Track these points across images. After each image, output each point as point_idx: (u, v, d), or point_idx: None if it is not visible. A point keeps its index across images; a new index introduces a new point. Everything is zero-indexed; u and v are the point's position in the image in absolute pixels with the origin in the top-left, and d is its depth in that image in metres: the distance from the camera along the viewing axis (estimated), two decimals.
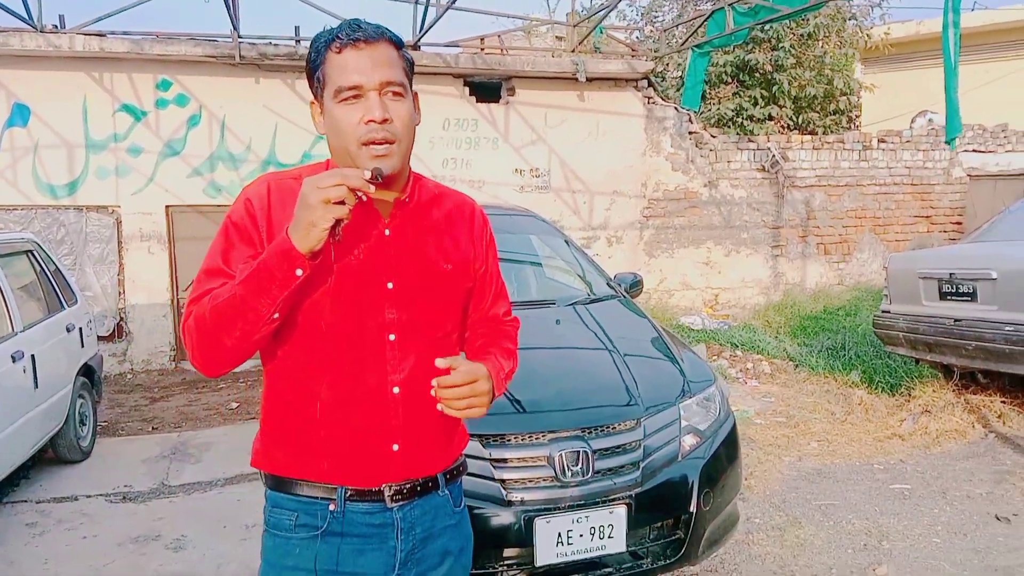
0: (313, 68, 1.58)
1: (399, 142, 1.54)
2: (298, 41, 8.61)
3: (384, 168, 1.49)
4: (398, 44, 1.58)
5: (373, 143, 1.51)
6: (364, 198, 1.49)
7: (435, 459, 1.71)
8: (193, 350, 1.54)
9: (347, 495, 1.62)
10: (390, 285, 1.61)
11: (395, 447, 1.64)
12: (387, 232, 1.63)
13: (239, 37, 8.20)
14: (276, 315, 1.48)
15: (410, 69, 1.61)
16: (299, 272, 1.43)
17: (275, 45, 8.39)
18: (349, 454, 1.62)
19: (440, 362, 1.54)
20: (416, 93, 1.64)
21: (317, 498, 1.63)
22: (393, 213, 1.64)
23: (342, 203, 1.38)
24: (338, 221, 1.40)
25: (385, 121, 1.51)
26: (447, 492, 1.74)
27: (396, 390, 1.62)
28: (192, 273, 8.27)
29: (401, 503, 1.65)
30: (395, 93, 1.54)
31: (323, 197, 1.36)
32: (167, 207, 8.53)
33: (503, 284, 1.90)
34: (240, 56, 8.17)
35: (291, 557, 1.64)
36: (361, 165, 1.49)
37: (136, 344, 8.65)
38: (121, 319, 8.60)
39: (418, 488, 1.68)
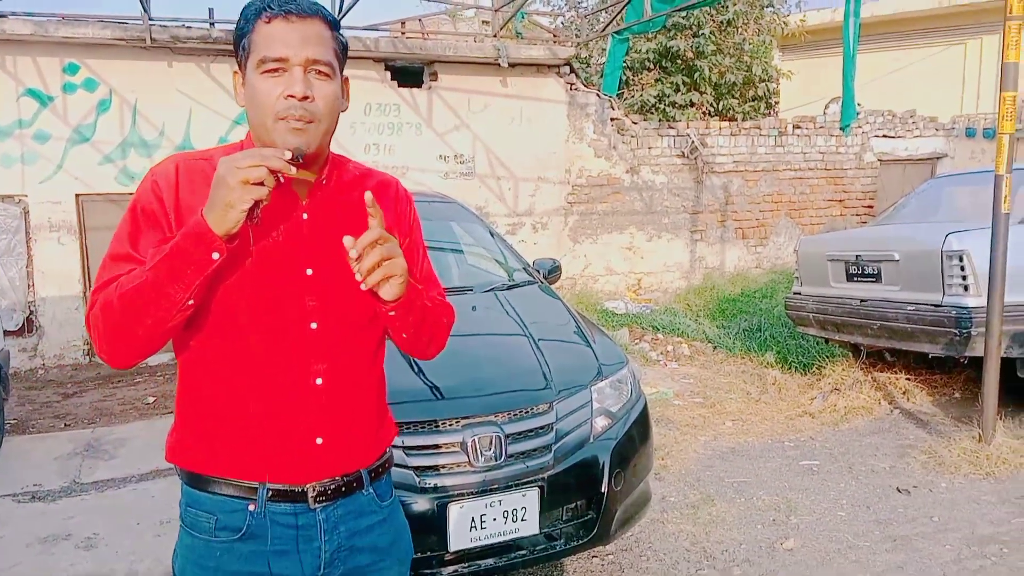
0: (240, 36, 1.51)
1: (318, 122, 1.48)
2: (212, 24, 8.38)
3: (303, 147, 1.44)
4: (333, 24, 1.53)
5: (291, 119, 1.45)
6: (283, 179, 1.40)
7: (361, 454, 1.66)
8: (100, 341, 1.46)
9: (268, 495, 1.56)
10: (309, 272, 1.55)
11: (319, 440, 1.58)
12: (305, 216, 1.56)
13: (150, 19, 7.94)
14: (191, 301, 1.41)
15: (342, 53, 1.56)
16: (215, 256, 1.37)
17: (188, 28, 8.16)
18: (271, 450, 1.56)
19: (348, 239, 1.41)
20: (347, 79, 1.59)
21: (236, 497, 1.56)
22: (311, 195, 1.58)
23: (261, 184, 1.32)
24: (257, 203, 1.34)
25: (306, 99, 1.45)
26: (371, 491, 1.68)
27: (319, 381, 1.57)
28: None
29: (324, 503, 1.60)
30: (321, 73, 1.48)
31: (241, 177, 1.31)
32: (77, 196, 8.23)
33: (432, 269, 1.82)
34: (151, 39, 7.92)
35: (212, 559, 1.57)
36: (277, 140, 1.45)
37: (47, 338, 8.34)
38: (31, 313, 8.28)
39: (342, 488, 1.62)
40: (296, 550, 1.59)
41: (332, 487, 1.61)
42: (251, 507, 1.57)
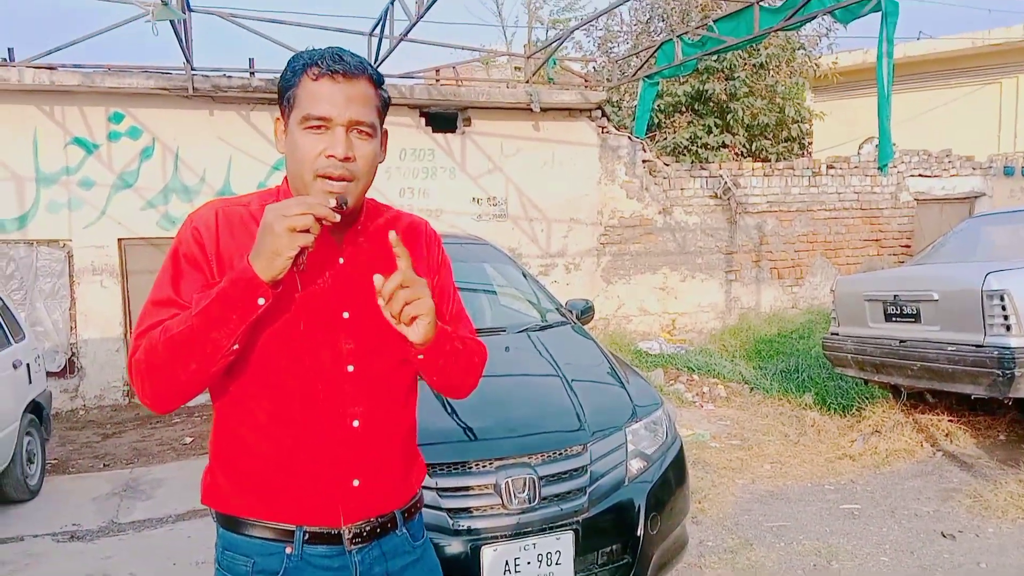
0: (285, 87, 1.53)
1: (357, 181, 1.50)
2: (252, 73, 8.62)
3: (347, 198, 1.46)
4: (378, 82, 1.55)
5: (329, 177, 1.46)
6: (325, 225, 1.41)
7: (395, 494, 1.67)
8: (143, 385, 1.48)
9: (305, 537, 1.57)
10: (346, 315, 1.57)
11: (356, 483, 1.59)
12: (341, 260, 1.58)
13: (192, 69, 8.19)
14: (235, 346, 1.44)
15: (384, 109, 1.58)
16: (261, 301, 1.39)
17: (229, 77, 8.39)
18: (307, 492, 1.57)
19: (378, 278, 1.42)
20: (386, 131, 1.61)
21: (273, 540, 1.57)
22: (347, 241, 1.60)
23: (307, 231, 1.35)
24: (303, 249, 1.37)
25: (347, 159, 1.47)
26: (405, 531, 1.69)
27: (356, 423, 1.58)
28: None
29: (360, 545, 1.60)
30: (363, 132, 1.50)
31: (288, 225, 1.33)
32: (120, 240, 8.44)
33: (462, 307, 1.82)
34: (193, 88, 8.16)
35: None
36: (314, 195, 1.46)
37: (88, 380, 8.50)
38: (73, 354, 8.45)
39: (377, 530, 1.63)
40: None
41: (368, 528, 1.62)
42: (288, 550, 1.57)
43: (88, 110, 8.24)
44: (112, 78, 8.05)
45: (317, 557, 1.58)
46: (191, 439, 7.09)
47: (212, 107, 8.53)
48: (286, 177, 1.61)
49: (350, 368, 1.57)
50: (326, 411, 1.56)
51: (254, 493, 1.58)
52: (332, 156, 1.46)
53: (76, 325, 8.43)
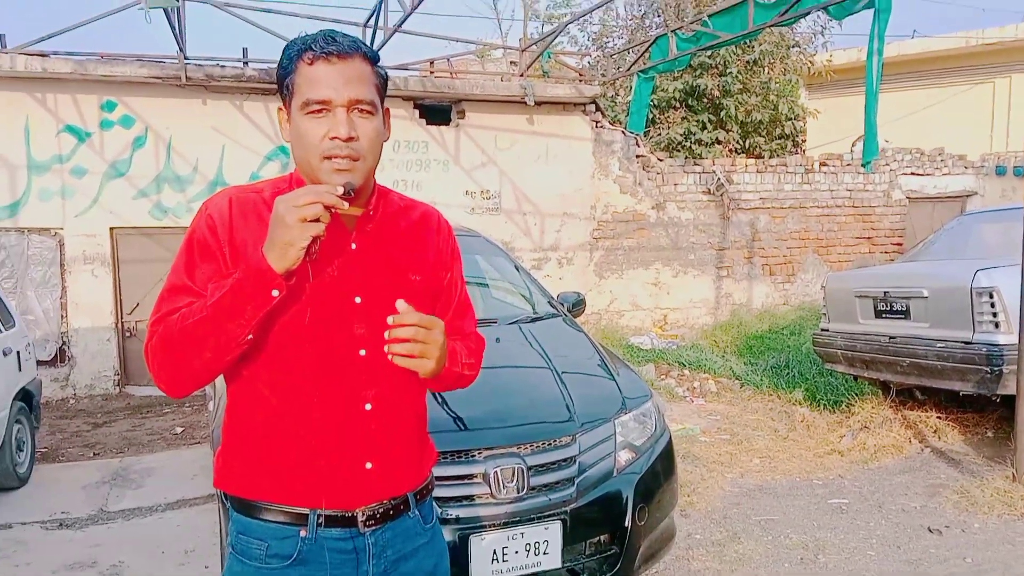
0: (283, 76, 1.55)
1: (363, 159, 1.51)
2: (246, 63, 8.59)
3: (353, 182, 1.46)
4: (373, 60, 1.56)
5: (336, 157, 1.48)
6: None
7: (407, 477, 1.68)
8: (158, 371, 1.50)
9: (319, 520, 1.58)
10: (358, 300, 1.58)
11: (368, 465, 1.60)
12: (353, 246, 1.59)
13: (185, 58, 8.16)
14: (250, 336, 1.46)
15: (383, 86, 1.59)
16: (275, 293, 1.41)
17: (222, 67, 8.36)
18: (322, 475, 1.58)
19: (401, 304, 1.47)
20: (388, 109, 1.62)
21: (287, 524, 1.58)
22: (359, 226, 1.61)
23: (317, 220, 1.36)
24: (315, 239, 1.38)
25: (350, 139, 1.48)
26: (417, 513, 1.70)
27: (368, 407, 1.59)
28: (137, 296, 8.01)
29: (373, 527, 1.62)
30: (364, 111, 1.51)
31: (299, 216, 1.34)
32: (111, 229, 8.41)
33: (468, 299, 1.85)
34: (186, 77, 8.13)
35: None
36: (323, 178, 1.48)
37: (79, 369, 8.48)
38: (64, 343, 8.43)
39: (391, 512, 1.64)
40: (345, 574, 1.60)
41: (381, 511, 1.63)
42: (302, 533, 1.58)
43: (81, 98, 8.20)
44: (105, 66, 8.01)
45: (331, 540, 1.59)
46: (181, 429, 7.09)
47: (205, 96, 8.50)
48: (297, 168, 1.62)
49: (362, 352, 1.58)
50: (339, 395, 1.57)
51: (268, 477, 1.59)
52: (336, 138, 1.48)
53: (67, 314, 8.40)
